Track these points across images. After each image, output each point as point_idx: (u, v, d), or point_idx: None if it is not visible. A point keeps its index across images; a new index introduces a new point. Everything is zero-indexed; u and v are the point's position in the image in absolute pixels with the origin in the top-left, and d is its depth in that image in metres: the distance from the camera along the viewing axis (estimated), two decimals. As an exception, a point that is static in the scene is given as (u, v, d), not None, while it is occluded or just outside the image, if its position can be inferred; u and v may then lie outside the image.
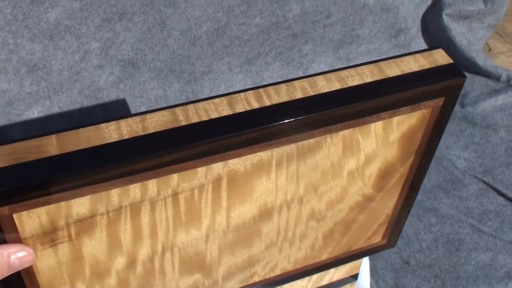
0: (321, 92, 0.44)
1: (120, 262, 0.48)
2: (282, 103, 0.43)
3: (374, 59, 1.42)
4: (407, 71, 0.46)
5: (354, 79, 0.45)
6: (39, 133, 0.96)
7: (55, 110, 0.93)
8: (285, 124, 0.42)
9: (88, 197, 0.41)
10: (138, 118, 0.42)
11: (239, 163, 0.45)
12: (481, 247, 0.98)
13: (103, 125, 0.41)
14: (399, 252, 0.96)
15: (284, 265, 0.61)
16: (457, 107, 1.28)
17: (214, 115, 0.42)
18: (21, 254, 0.41)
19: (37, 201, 0.39)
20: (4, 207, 0.38)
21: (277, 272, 0.61)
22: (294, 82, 0.45)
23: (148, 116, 0.42)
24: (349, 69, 0.46)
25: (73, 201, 0.41)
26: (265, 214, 0.52)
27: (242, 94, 0.44)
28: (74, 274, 0.47)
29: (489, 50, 1.53)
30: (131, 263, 0.49)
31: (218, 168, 0.44)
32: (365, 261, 0.76)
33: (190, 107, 0.43)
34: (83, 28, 0.91)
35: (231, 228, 0.51)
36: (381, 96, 0.44)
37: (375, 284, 0.91)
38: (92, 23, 0.92)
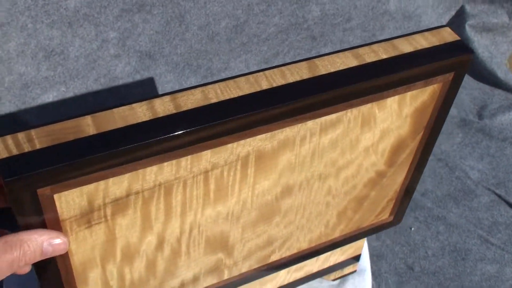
0: (340, 68, 0.46)
1: (149, 243, 0.49)
2: (306, 79, 0.45)
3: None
4: (419, 47, 0.48)
5: (370, 56, 0.48)
6: (54, 117, 0.97)
7: (70, 95, 0.95)
8: (310, 99, 0.44)
9: (125, 175, 0.41)
10: (168, 97, 0.43)
11: (266, 139, 0.46)
12: (488, 259, 0.96)
13: (135, 104, 0.42)
14: (404, 258, 0.95)
15: (300, 243, 0.62)
16: (474, 119, 1.26)
17: (242, 93, 0.44)
18: (55, 241, 0.41)
19: (77, 180, 0.39)
20: (46, 188, 0.38)
21: (293, 250, 0.62)
22: (315, 60, 0.47)
23: (179, 95, 0.43)
24: (363, 47, 0.48)
25: (111, 180, 0.41)
26: (287, 190, 0.53)
27: (266, 72, 0.46)
28: (106, 256, 0.47)
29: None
30: (160, 244, 0.49)
31: (247, 144, 0.45)
32: (365, 244, 0.76)
33: (219, 85, 0.44)
34: (102, 17, 0.93)
35: (254, 206, 0.52)
36: (397, 71, 0.47)
37: (378, 287, 0.91)
38: (111, 12, 0.93)
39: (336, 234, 0.64)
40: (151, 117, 0.41)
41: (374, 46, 0.49)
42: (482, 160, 1.17)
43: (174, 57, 1.08)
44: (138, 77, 1.04)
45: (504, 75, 1.35)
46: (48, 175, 0.38)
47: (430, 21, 1.37)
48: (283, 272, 0.68)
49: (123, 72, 1.01)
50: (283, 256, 0.62)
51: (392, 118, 0.52)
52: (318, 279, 0.72)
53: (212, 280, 0.58)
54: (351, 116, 0.49)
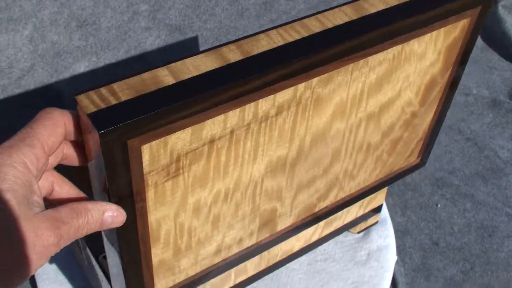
0: (386, 7, 0.49)
1: (217, 195, 0.50)
2: (356, 19, 0.47)
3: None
4: None
5: None
6: (85, 87, 1.00)
7: (101, 65, 0.97)
8: (363, 37, 0.46)
9: (205, 123, 0.42)
10: (233, 45, 0.44)
11: (324, 81, 0.48)
12: (516, 236, 0.95)
13: (203, 54, 0.43)
14: (429, 234, 0.95)
15: (343, 191, 0.63)
16: (505, 99, 1.25)
17: (301, 35, 0.45)
18: (114, 213, 0.42)
19: (162, 130, 0.40)
20: (135, 139, 0.39)
21: (337, 198, 0.63)
22: (360, 1, 0.49)
23: (243, 42, 0.44)
24: None
25: (190, 128, 0.42)
26: (337, 134, 0.55)
27: (318, 15, 0.47)
28: (179, 211, 0.48)
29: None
30: (226, 196, 0.51)
31: (308, 86, 0.47)
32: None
33: (278, 30, 0.46)
34: (133, -11, 0.94)
35: (308, 151, 0.54)
36: (435, 7, 0.49)
37: (401, 262, 0.91)
38: (142, -16, 0.95)
39: (372, 179, 0.65)
40: (223, 64, 0.42)
41: None
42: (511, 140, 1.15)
43: (204, 32, 1.09)
44: (167, 51, 1.05)
45: (537, 57, 1.32)
46: (137, 126, 0.38)
47: (462, 1, 1.35)
48: (313, 228, 0.69)
49: (153, 45, 1.03)
50: (327, 204, 0.63)
51: (428, 55, 0.54)
52: (343, 234, 0.74)
53: (266, 233, 0.60)
54: (395, 53, 0.51)
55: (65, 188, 0.43)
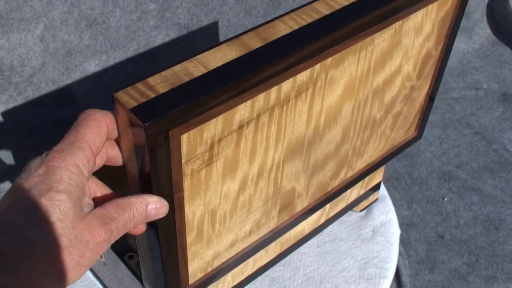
0: None
1: (245, 180, 0.52)
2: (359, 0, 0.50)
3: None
4: None
5: None
6: (95, 84, 1.02)
7: (111, 64, 0.99)
8: (369, 15, 0.49)
9: (235, 108, 0.44)
10: (252, 33, 0.46)
11: (337, 59, 0.50)
12: (523, 229, 0.95)
13: (223, 45, 0.45)
14: (434, 227, 0.95)
15: (352, 168, 0.66)
16: (516, 93, 1.24)
17: (314, 18, 0.48)
18: (158, 204, 0.43)
19: (199, 118, 0.42)
20: (175, 129, 0.40)
21: (347, 175, 0.66)
22: None
23: (261, 29, 0.47)
24: None
25: (222, 116, 0.44)
26: (348, 111, 0.57)
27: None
28: (211, 200, 0.50)
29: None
30: (252, 181, 0.52)
31: (323, 67, 0.49)
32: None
33: (292, 15, 0.48)
34: (141, -11, 0.97)
35: (323, 130, 0.56)
36: None
37: (406, 254, 0.91)
38: (150, -16, 0.97)
39: (377, 154, 0.68)
40: (246, 51, 0.44)
41: None
42: (522, 134, 1.15)
43: (212, 29, 1.11)
44: (176, 49, 1.07)
45: (550, 51, 1.31)
46: (178, 116, 0.40)
47: (473, -5, 1.35)
48: (320, 211, 0.71)
49: (162, 44, 1.05)
50: (339, 183, 0.65)
51: (424, 28, 0.57)
52: (347, 214, 0.78)
53: (286, 216, 0.61)
54: (396, 28, 0.53)
55: (101, 189, 0.45)
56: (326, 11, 0.49)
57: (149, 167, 0.41)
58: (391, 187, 1.01)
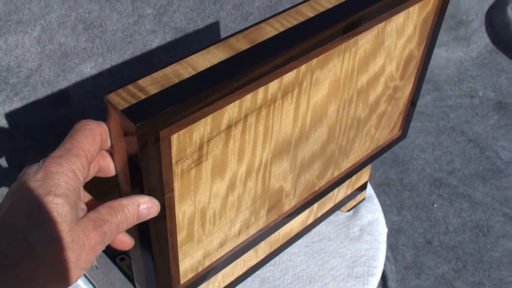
0: None
1: (233, 180, 0.53)
2: (345, 1, 0.51)
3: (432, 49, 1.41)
4: None
5: None
6: (91, 86, 1.03)
7: (107, 67, 1.01)
8: (354, 16, 0.51)
9: (224, 108, 0.45)
10: (239, 35, 0.47)
11: (320, 62, 0.51)
12: (511, 235, 0.95)
13: (211, 47, 0.46)
14: (423, 232, 0.96)
15: (338, 167, 0.67)
16: (510, 101, 1.24)
17: (300, 20, 0.49)
18: (149, 205, 0.44)
19: (189, 118, 0.43)
20: (166, 129, 0.41)
21: (333, 175, 0.67)
22: None
23: (248, 31, 0.48)
24: None
25: (211, 116, 0.45)
26: (333, 111, 0.58)
27: (310, 2, 0.51)
28: (201, 199, 0.51)
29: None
30: (240, 180, 0.54)
31: (309, 68, 0.50)
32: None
33: (278, 18, 0.49)
34: (138, -7, 0.98)
35: (309, 129, 0.57)
36: None
37: (393, 259, 0.92)
38: (147, -11, 0.99)
39: (363, 154, 0.69)
40: (234, 53, 0.45)
41: None
42: (515, 142, 1.15)
43: (209, 35, 1.12)
44: (173, 53, 1.09)
45: (547, 60, 1.31)
46: (168, 116, 0.41)
47: (470, 4, 1.35)
48: (308, 211, 0.72)
49: (159, 48, 1.07)
50: (325, 182, 0.66)
51: (406, 30, 0.58)
52: (334, 213, 0.79)
53: (274, 215, 0.62)
54: (379, 30, 0.55)
55: (89, 201, 0.46)
56: (310, 14, 0.50)
57: (140, 168, 0.42)
58: (382, 193, 1.02)
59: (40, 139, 1.00)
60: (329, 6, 0.51)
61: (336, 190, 0.71)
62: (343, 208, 0.80)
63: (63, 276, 0.39)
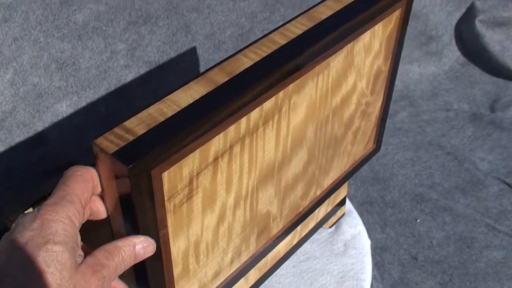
0: (333, 12, 0.55)
1: (223, 210, 0.53)
2: (313, 27, 0.53)
3: (405, 66, 1.43)
4: None
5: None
6: (67, 124, 1.03)
7: (83, 105, 1.01)
8: (326, 39, 0.52)
9: (210, 142, 0.46)
10: (216, 69, 0.49)
11: (296, 86, 0.53)
12: (495, 245, 0.96)
13: (192, 83, 0.47)
14: (408, 249, 0.96)
15: (319, 186, 0.68)
16: (486, 112, 1.26)
17: (273, 48, 0.51)
18: (144, 244, 0.45)
19: (178, 155, 0.43)
20: (156, 168, 0.42)
21: (316, 194, 0.68)
22: (311, 12, 0.55)
23: (224, 64, 0.49)
24: (330, 1, 0.57)
25: (198, 149, 0.45)
26: (311, 132, 0.60)
27: (280, 29, 0.53)
28: (194, 233, 0.51)
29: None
30: (230, 210, 0.54)
31: (286, 93, 0.52)
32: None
33: (252, 48, 0.51)
34: (110, 30, 0.99)
35: (290, 152, 0.58)
36: (376, 2, 0.56)
37: (380, 277, 0.92)
38: (118, 25, 1.00)
39: (342, 170, 0.70)
40: (214, 87, 0.46)
41: None
42: (492, 151, 1.17)
43: (183, 65, 1.13)
44: (148, 86, 1.10)
45: (518, 69, 1.34)
46: (158, 155, 0.41)
47: (439, 20, 1.38)
48: (292, 232, 0.73)
49: (134, 82, 1.07)
50: (309, 202, 0.67)
51: (373, 47, 0.61)
52: (317, 231, 0.80)
53: (263, 240, 0.63)
54: (348, 50, 0.57)
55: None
56: (283, 41, 0.52)
57: (134, 208, 0.42)
58: (364, 212, 1.03)
59: (18, 180, 0.99)
60: (299, 32, 0.53)
61: (318, 208, 0.72)
62: (325, 225, 0.80)
63: None
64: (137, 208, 0.42)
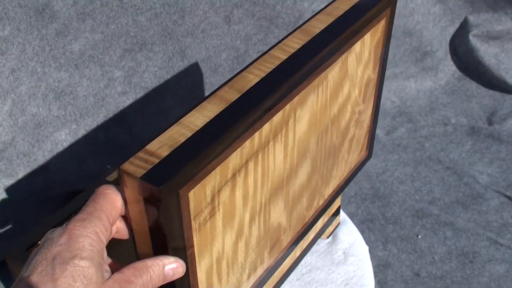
0: (326, 26, 0.57)
1: (241, 225, 0.54)
2: (309, 40, 0.55)
3: (401, 82, 1.44)
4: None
5: (338, 10, 0.59)
6: (67, 153, 1.03)
7: (82, 132, 1.02)
8: (323, 52, 0.54)
9: (228, 158, 0.47)
10: (226, 87, 0.50)
11: (300, 99, 0.55)
12: (497, 259, 0.95)
13: (204, 103, 0.48)
14: (410, 265, 0.96)
15: (321, 196, 0.69)
16: (484, 125, 1.26)
17: (276, 63, 0.52)
18: (174, 265, 0.45)
19: (201, 174, 0.44)
20: (183, 188, 0.43)
21: (319, 204, 0.69)
22: (305, 26, 0.57)
23: (233, 82, 0.50)
24: (321, 15, 0.59)
25: (219, 167, 0.46)
26: (313, 143, 0.61)
27: (279, 45, 0.54)
28: (217, 250, 0.51)
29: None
30: (247, 225, 0.55)
31: (292, 107, 0.53)
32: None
33: (256, 65, 0.52)
34: (106, 58, 1.00)
35: (297, 164, 0.59)
36: (364, 13, 0.59)
37: (383, 295, 0.91)
38: (114, 53, 1.01)
39: (340, 179, 0.72)
40: (227, 104, 0.48)
41: (331, 9, 0.60)
42: (491, 164, 1.17)
43: (180, 90, 1.14)
44: (146, 111, 1.10)
45: (514, 81, 1.34)
46: (185, 174, 0.42)
47: (433, 35, 1.39)
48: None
49: (132, 108, 1.08)
50: (313, 212, 0.68)
51: (363, 56, 0.63)
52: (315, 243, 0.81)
53: (276, 253, 0.64)
54: (342, 60, 0.59)
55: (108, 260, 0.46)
56: (283, 56, 0.54)
57: (163, 229, 0.43)
58: (365, 229, 1.02)
59: (19, 209, 1.00)
60: (298, 46, 0.55)
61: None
62: (322, 236, 0.81)
63: None
64: (166, 228, 0.43)
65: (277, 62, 0.53)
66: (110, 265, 0.45)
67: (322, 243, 0.82)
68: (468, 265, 0.95)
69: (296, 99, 0.53)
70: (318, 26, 0.57)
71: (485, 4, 1.43)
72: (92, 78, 1.00)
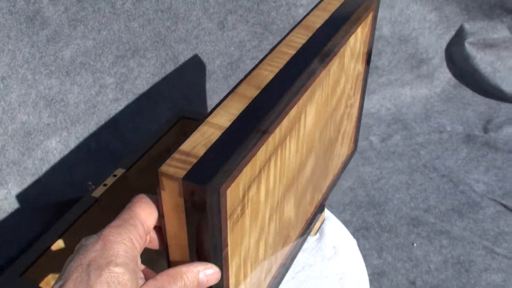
0: (324, 21, 0.58)
1: (263, 223, 0.53)
2: (312, 35, 0.55)
3: (397, 89, 1.43)
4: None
5: (332, 5, 0.60)
6: (58, 161, 1.02)
7: (73, 140, 1.01)
8: (331, 42, 0.55)
9: (257, 154, 0.46)
10: (244, 84, 0.50)
11: (309, 94, 0.55)
12: (493, 268, 0.94)
13: (227, 100, 0.48)
14: (405, 274, 0.94)
15: (321, 190, 0.69)
16: (479, 133, 1.26)
17: (288, 57, 0.52)
18: (209, 271, 0.44)
19: (236, 172, 0.44)
20: (223, 185, 0.42)
21: (318, 198, 0.69)
22: (304, 22, 0.57)
23: (249, 79, 0.50)
24: (317, 11, 0.59)
25: (249, 164, 0.46)
26: (318, 137, 0.61)
27: (285, 41, 0.54)
28: (245, 249, 0.51)
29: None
30: (267, 223, 0.54)
31: (303, 102, 0.53)
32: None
33: (267, 61, 0.52)
34: (98, 65, 0.99)
35: (305, 161, 0.60)
36: (357, 8, 0.60)
37: (378, 305, 0.90)
38: (106, 59, 1.00)
39: (334, 172, 0.72)
40: (250, 100, 0.47)
41: (322, 7, 0.60)
42: (487, 172, 1.16)
43: (173, 96, 1.13)
44: (139, 118, 1.09)
45: (510, 88, 1.33)
46: (224, 172, 0.42)
47: (429, 43, 1.38)
48: (290, 244, 0.73)
49: (124, 115, 1.07)
50: (313, 208, 0.68)
51: (355, 49, 0.64)
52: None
53: (286, 250, 0.63)
54: (340, 54, 0.59)
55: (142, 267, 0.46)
56: (291, 51, 0.54)
57: (203, 230, 0.42)
58: (361, 237, 1.01)
59: (10, 218, 0.98)
60: (303, 41, 0.55)
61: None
62: (311, 233, 0.81)
63: None
64: (205, 229, 0.42)
65: (287, 58, 0.53)
66: (143, 272, 0.44)
67: (310, 240, 0.82)
68: (464, 274, 0.94)
69: (306, 93, 0.54)
70: (317, 21, 0.58)
71: (481, 12, 1.42)
72: (83, 85, 0.99)
